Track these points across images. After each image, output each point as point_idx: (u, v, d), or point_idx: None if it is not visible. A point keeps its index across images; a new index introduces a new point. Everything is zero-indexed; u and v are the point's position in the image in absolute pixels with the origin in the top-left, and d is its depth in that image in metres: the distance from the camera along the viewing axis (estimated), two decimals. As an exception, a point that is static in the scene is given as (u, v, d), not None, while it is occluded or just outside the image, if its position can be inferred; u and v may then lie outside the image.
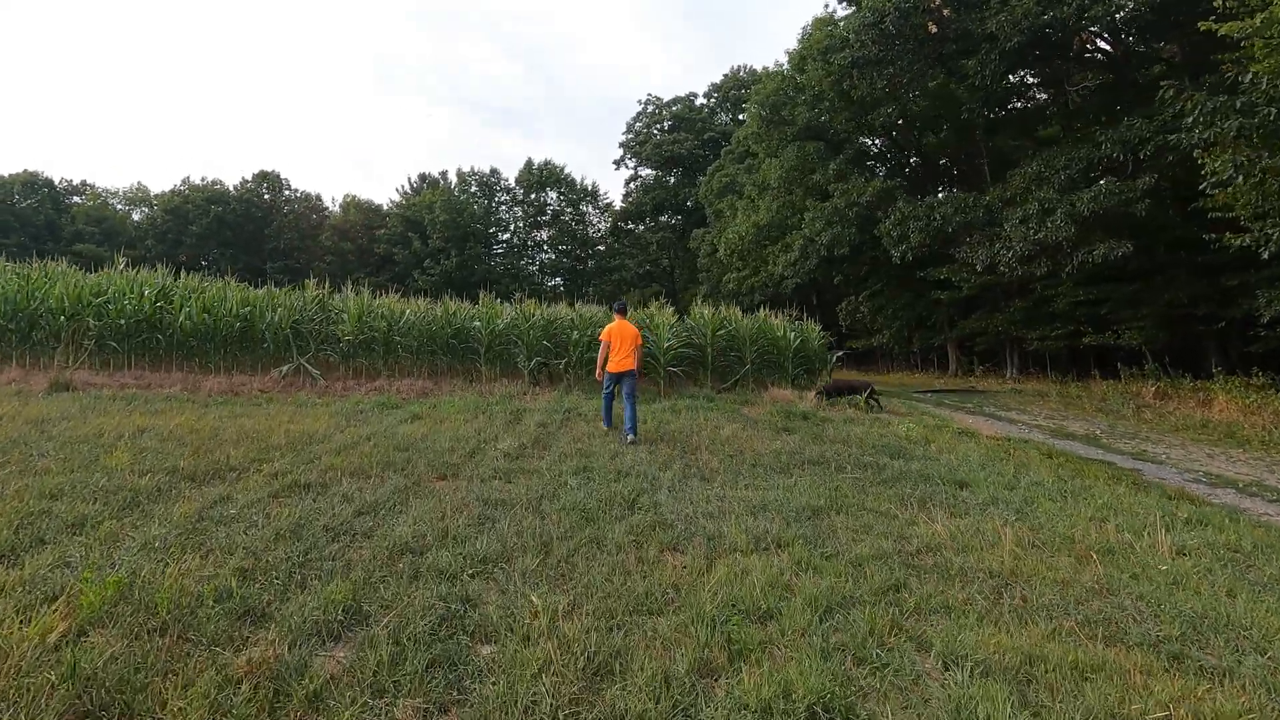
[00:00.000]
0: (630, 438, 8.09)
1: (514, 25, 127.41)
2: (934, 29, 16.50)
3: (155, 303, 10.72)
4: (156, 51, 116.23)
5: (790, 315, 15.10)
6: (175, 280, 12.02)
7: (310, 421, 7.97)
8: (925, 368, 34.98)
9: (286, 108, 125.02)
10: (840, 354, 16.05)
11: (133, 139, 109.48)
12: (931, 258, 22.82)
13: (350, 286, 12.73)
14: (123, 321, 10.44)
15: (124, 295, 10.66)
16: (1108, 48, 21.41)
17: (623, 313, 9.03)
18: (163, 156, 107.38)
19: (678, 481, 6.30)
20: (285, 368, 10.82)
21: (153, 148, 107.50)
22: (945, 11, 16.19)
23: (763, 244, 32.10)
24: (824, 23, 29.84)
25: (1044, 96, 26.72)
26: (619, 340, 8.63)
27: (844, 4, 30.08)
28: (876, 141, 31.23)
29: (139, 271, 12.33)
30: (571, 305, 14.04)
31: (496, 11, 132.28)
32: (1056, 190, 16.21)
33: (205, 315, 10.68)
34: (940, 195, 19.66)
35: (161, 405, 8.43)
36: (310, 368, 10.91)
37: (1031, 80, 26.58)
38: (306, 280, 12.86)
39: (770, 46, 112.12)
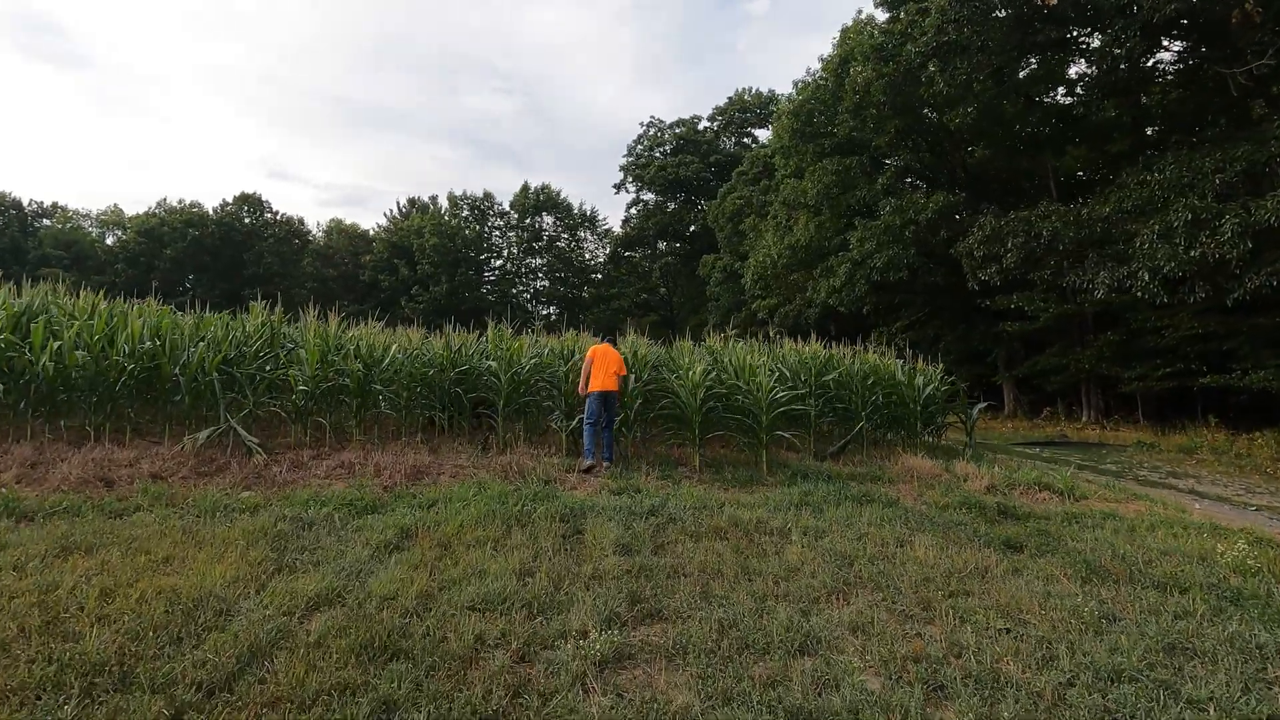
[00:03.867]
0: (606, 465, 7.96)
1: (509, 63, 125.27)
2: (1053, 2, 13.44)
3: (2, 334, 6.99)
4: (144, 75, 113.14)
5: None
6: (45, 302, 8.24)
7: (203, 561, 4.22)
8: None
9: (271, 137, 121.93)
10: (983, 405, 12.51)
11: (112, 163, 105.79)
12: (999, 284, 19.56)
13: (313, 311, 8.96)
14: (-56, 364, 6.67)
15: (-54, 324, 6.87)
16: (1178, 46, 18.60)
17: (612, 343, 8.74)
18: (144, 183, 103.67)
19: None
20: (203, 433, 7.07)
21: (134, 174, 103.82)
22: (1069, -22, 13.17)
23: (793, 269, 28.78)
24: (861, 27, 27.08)
25: (1075, 106, 23.95)
26: (602, 359, 8.22)
27: (881, 9, 27.52)
28: (917, 157, 28.19)
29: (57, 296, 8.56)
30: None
31: (490, 50, 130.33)
32: (1214, 198, 12.95)
33: (81, 354, 6.96)
34: (1040, 207, 16.36)
35: (-66, 524, 4.66)
36: (244, 433, 7.17)
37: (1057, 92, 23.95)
38: (253, 302, 9.16)
39: (762, 82, 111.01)
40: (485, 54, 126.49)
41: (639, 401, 8.67)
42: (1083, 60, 23.30)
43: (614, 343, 8.75)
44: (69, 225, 61.82)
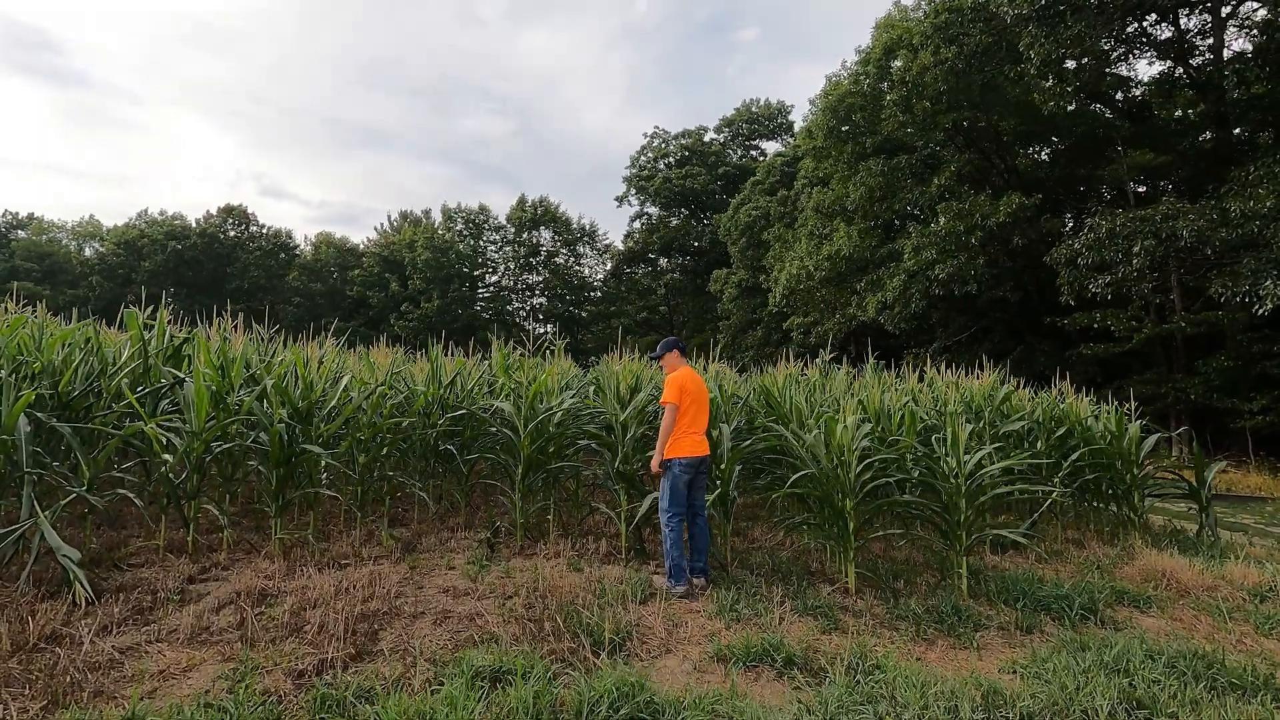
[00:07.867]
0: (700, 584, 4.59)
1: (501, 85, 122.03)
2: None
3: None
4: (133, 91, 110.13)
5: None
6: None
7: None
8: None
9: (262, 155, 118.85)
10: (1223, 463, 9.34)
11: (97, 179, 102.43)
12: (1110, 297, 16.51)
13: (211, 324, 5.63)
14: None
15: None
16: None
17: (683, 352, 5.13)
18: (130, 201, 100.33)
19: None
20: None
21: (120, 191, 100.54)
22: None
23: (831, 282, 25.72)
24: (905, 14, 24.44)
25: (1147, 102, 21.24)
26: (695, 395, 4.70)
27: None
28: (969, 159, 25.32)
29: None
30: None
31: (483, 73, 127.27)
32: None
33: None
34: (1165, 205, 13.40)
35: None
36: (56, 540, 3.94)
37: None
38: (131, 309, 5.92)
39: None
40: (478, 77, 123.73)
41: (738, 469, 5.41)
42: (1151, 51, 20.80)
43: (684, 350, 5.19)
44: (45, 237, 58.53)
